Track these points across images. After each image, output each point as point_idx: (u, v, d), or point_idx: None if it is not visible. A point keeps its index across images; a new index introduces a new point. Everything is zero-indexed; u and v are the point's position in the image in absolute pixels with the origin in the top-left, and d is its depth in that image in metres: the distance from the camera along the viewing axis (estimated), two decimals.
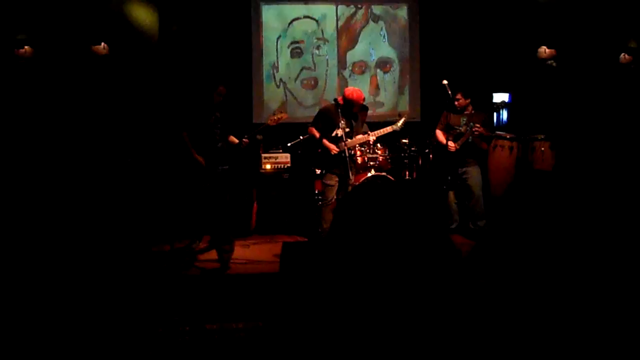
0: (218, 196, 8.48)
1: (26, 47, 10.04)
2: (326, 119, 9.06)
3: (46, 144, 9.61)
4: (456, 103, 9.41)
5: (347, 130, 8.89)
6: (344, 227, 4.70)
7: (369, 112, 11.12)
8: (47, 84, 10.02)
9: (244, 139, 8.78)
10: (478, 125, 9.15)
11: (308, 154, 9.81)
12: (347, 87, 9.52)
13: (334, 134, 8.93)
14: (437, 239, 4.72)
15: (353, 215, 4.68)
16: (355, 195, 6.43)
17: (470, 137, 9.21)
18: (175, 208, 9.21)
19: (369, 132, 9.26)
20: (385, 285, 4.31)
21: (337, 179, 9.00)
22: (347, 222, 4.68)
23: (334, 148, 8.86)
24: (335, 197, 9.05)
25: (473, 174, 9.42)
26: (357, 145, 9.35)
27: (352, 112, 9.02)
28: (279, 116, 9.14)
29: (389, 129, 9.22)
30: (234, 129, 8.98)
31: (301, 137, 10.17)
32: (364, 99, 9.12)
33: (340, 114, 8.89)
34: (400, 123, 9.24)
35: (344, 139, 8.82)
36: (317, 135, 9.06)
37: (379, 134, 9.29)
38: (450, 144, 9.22)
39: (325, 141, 8.95)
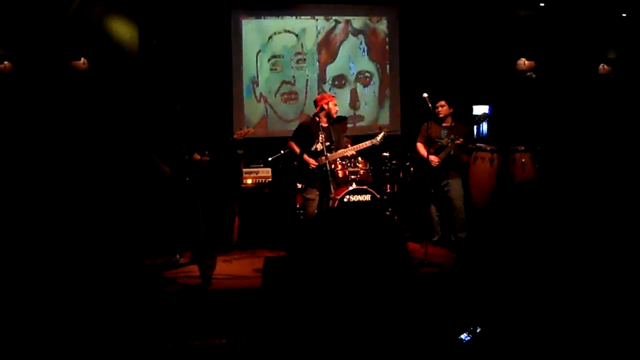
0: (187, 208, 8.50)
1: (5, 62, 10.02)
2: (306, 133, 9.05)
3: (26, 160, 9.57)
4: (439, 109, 9.39)
5: (327, 144, 8.87)
6: (317, 243, 4.72)
7: (349, 125, 11.14)
8: (26, 99, 9.98)
9: (203, 157, 8.80)
10: (460, 138, 9.16)
11: (289, 168, 9.81)
12: (331, 94, 9.52)
13: (313, 148, 8.91)
14: (393, 251, 4.74)
15: (326, 233, 4.71)
16: (329, 214, 6.46)
17: (452, 150, 9.22)
18: (152, 223, 9.18)
19: (349, 146, 9.24)
20: (353, 299, 4.33)
21: (317, 193, 8.98)
22: (320, 239, 4.69)
23: (312, 162, 8.84)
24: (316, 211, 9.05)
25: (454, 186, 9.42)
26: (338, 159, 9.35)
27: (331, 114, 8.98)
28: (245, 130, 9.19)
29: (368, 144, 9.22)
30: (201, 145, 8.98)
31: (282, 152, 10.16)
32: (334, 97, 9.12)
33: (319, 127, 8.89)
34: (379, 137, 9.23)
35: (324, 153, 8.80)
36: (297, 149, 9.05)
37: (359, 148, 9.28)
38: (432, 157, 9.21)
39: (305, 156, 8.93)
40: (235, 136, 9.15)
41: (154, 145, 8.64)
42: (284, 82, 12.20)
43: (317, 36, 12.23)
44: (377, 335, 4.21)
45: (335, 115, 9.06)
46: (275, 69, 12.17)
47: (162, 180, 8.60)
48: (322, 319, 4.35)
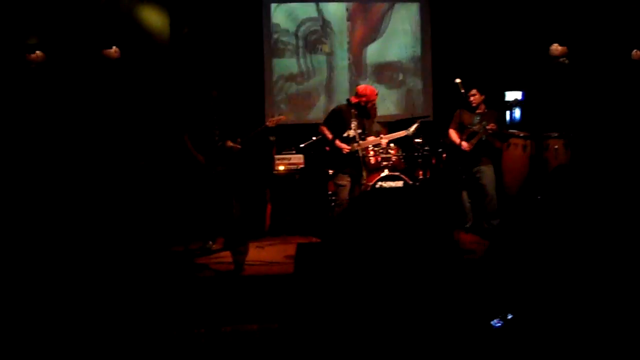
0: (219, 196, 8.50)
1: (37, 52, 10.05)
2: (338, 119, 9.04)
3: (59, 149, 9.62)
4: (472, 99, 9.32)
5: (360, 131, 8.85)
6: (351, 230, 4.71)
7: (383, 113, 11.14)
8: (58, 88, 10.02)
9: (235, 145, 8.79)
10: (492, 124, 9.08)
11: (320, 154, 9.79)
12: (374, 87, 9.45)
13: (345, 135, 8.89)
14: (442, 241, 4.72)
15: (361, 219, 4.69)
16: (363, 200, 6.42)
17: (484, 136, 9.15)
18: (185, 210, 9.22)
19: (382, 135, 9.22)
20: (391, 286, 4.31)
21: (349, 179, 8.99)
22: (355, 225, 4.68)
23: (346, 147, 8.83)
24: (348, 197, 9.04)
25: (487, 172, 9.35)
26: (370, 145, 9.33)
27: (366, 109, 8.98)
28: (277, 117, 9.18)
29: (402, 134, 9.21)
30: (235, 132, 8.98)
31: (314, 138, 10.12)
32: (377, 94, 9.12)
33: (352, 114, 8.86)
34: (412, 128, 9.21)
35: (357, 140, 8.78)
36: (329, 134, 9.04)
37: (391, 138, 9.28)
38: (464, 143, 9.15)
39: (337, 141, 8.92)
40: (268, 123, 9.17)
41: (189, 133, 8.66)
42: (315, 68, 12.17)
43: (348, 22, 12.18)
44: (412, 324, 4.19)
45: (370, 107, 9.06)
46: (306, 53, 12.16)
47: (195, 168, 8.62)
48: (354, 307, 4.33)
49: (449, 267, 4.56)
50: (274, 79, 12.06)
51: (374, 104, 9.18)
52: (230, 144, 8.80)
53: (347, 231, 4.83)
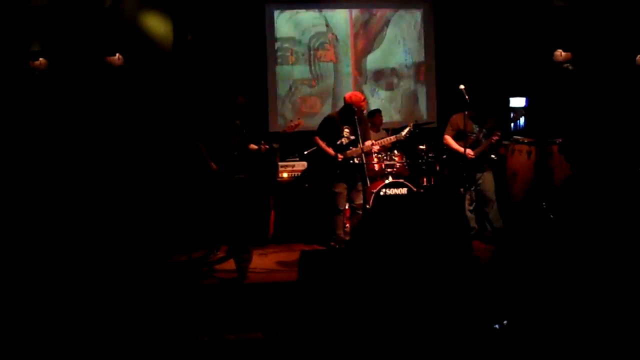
0: (234, 205, 8.46)
1: (41, 59, 10.06)
2: (331, 127, 9.05)
3: (63, 156, 9.62)
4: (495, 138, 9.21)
5: (353, 137, 8.84)
6: (367, 237, 4.69)
7: (387, 120, 11.10)
8: (61, 95, 10.03)
9: (262, 145, 8.78)
10: (496, 133, 9.05)
11: (319, 163, 9.77)
12: (361, 93, 9.43)
13: (339, 142, 8.90)
14: (457, 247, 4.70)
15: (375, 226, 4.66)
16: (378, 206, 6.39)
17: (489, 145, 9.11)
18: (191, 218, 9.19)
19: (373, 142, 9.17)
20: (404, 294, 4.28)
21: (345, 186, 8.99)
22: (370, 232, 4.66)
23: (332, 152, 8.85)
24: (347, 204, 9.06)
25: (488, 178, 9.32)
26: (374, 152, 9.33)
27: (354, 117, 8.91)
28: (296, 122, 9.14)
29: (392, 139, 9.24)
30: (253, 137, 8.97)
31: (316, 147, 10.14)
32: (363, 100, 9.05)
33: (343, 122, 8.87)
34: (404, 132, 9.25)
35: (349, 147, 8.79)
36: (321, 143, 9.04)
37: (382, 144, 9.31)
38: (469, 151, 9.10)
39: (330, 149, 8.92)
40: (286, 129, 9.17)
41: (205, 140, 8.62)
42: (318, 75, 12.18)
43: (352, 29, 12.20)
44: (418, 332, 4.16)
45: (360, 114, 8.98)
46: (308, 61, 12.15)
47: (208, 178, 8.59)
48: (357, 315, 4.31)
49: (466, 276, 4.54)
50: (278, 86, 12.07)
51: (362, 110, 9.11)
52: (254, 147, 8.80)
53: (367, 240, 4.82)
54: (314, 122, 11.32)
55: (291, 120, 9.55)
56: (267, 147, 8.83)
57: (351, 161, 8.82)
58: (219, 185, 8.54)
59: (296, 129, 9.14)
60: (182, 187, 9.58)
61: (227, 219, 8.52)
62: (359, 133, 8.86)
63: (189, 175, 9.03)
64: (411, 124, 9.59)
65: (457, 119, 9.31)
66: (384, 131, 10.28)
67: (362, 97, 9.06)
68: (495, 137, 9.03)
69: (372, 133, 9.74)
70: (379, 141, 9.27)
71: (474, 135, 9.22)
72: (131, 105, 10.37)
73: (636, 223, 6.13)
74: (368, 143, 9.00)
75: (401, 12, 12.33)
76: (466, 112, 8.85)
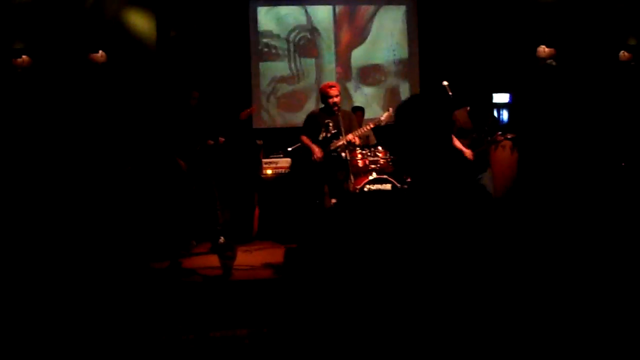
0: (204, 198, 8.51)
1: (24, 56, 10.03)
2: (313, 123, 9.00)
3: (45, 153, 9.58)
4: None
5: (334, 131, 8.77)
6: (335, 232, 4.67)
7: (370, 116, 11.09)
8: (45, 92, 10.00)
9: (218, 139, 8.86)
10: (500, 133, 8.86)
11: (304, 159, 9.75)
12: (345, 90, 9.40)
13: (321, 138, 8.86)
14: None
15: (347, 221, 4.65)
16: (348, 202, 6.39)
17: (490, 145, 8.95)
18: (169, 215, 9.17)
19: (352, 132, 9.01)
20: (382, 288, 4.28)
21: (329, 183, 8.97)
22: (340, 228, 4.64)
23: (317, 153, 8.83)
24: (332, 200, 9.05)
25: (487, 174, 9.22)
26: (358, 148, 9.31)
27: (333, 109, 8.78)
28: (248, 110, 9.34)
29: (371, 125, 9.05)
30: (218, 132, 9.01)
31: (300, 143, 10.13)
32: (332, 87, 8.87)
33: (323, 116, 8.83)
34: (383, 117, 9.02)
35: (332, 141, 8.77)
36: (307, 142, 9.00)
37: (361, 133, 9.12)
38: (467, 151, 8.84)
39: (314, 146, 8.89)
40: (241, 116, 9.19)
41: (169, 138, 8.64)
42: (302, 70, 12.22)
43: (335, 24, 12.21)
44: (399, 327, 4.16)
45: (332, 103, 8.84)
46: (292, 56, 12.17)
47: (178, 174, 8.61)
48: (343, 310, 4.31)
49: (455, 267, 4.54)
50: (262, 82, 12.07)
51: (335, 100, 8.91)
52: (211, 142, 8.83)
53: (330, 233, 4.80)
54: (297, 119, 11.34)
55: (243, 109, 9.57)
56: (223, 139, 8.88)
57: (334, 153, 8.75)
58: (188, 181, 8.59)
59: (252, 113, 9.23)
60: (161, 185, 9.57)
61: (205, 214, 8.55)
62: (341, 125, 8.78)
63: (162, 173, 9.05)
64: (391, 109, 9.47)
65: (459, 115, 9.11)
66: (372, 134, 10.28)
67: (331, 84, 8.92)
68: (500, 138, 8.81)
69: None
70: (357, 131, 9.03)
71: (472, 134, 9.05)
72: (115, 102, 10.35)
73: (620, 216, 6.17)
74: (350, 135, 8.95)
75: (384, 8, 12.34)
76: (468, 108, 8.77)
